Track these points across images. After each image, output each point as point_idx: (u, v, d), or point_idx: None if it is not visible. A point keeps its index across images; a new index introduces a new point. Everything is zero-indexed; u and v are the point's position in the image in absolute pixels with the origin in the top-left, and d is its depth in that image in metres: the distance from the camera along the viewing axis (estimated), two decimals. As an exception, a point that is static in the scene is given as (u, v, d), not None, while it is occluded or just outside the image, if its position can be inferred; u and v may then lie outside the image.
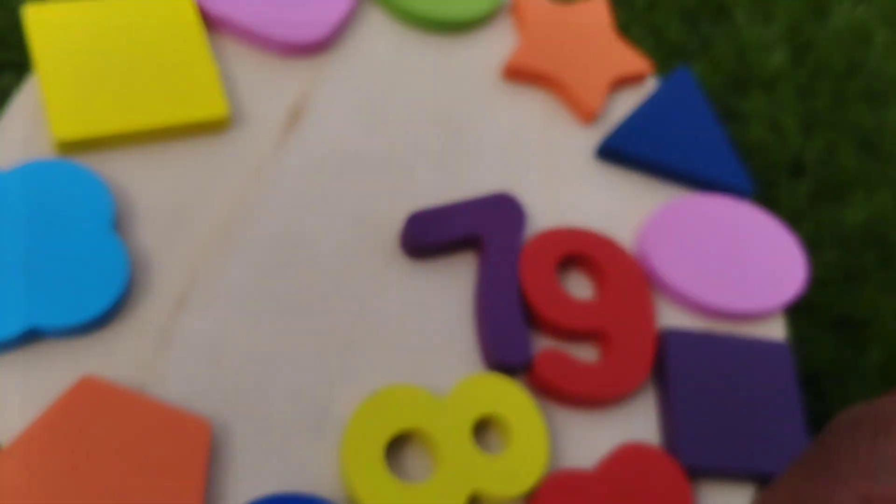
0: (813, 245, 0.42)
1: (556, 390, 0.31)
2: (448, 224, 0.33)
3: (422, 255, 0.33)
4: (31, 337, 0.28)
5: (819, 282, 0.41)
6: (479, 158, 0.37)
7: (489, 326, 0.31)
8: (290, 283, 0.32)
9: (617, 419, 0.32)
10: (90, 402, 0.27)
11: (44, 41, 0.33)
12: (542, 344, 0.33)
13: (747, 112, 0.44)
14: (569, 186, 0.37)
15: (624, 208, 0.37)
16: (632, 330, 0.32)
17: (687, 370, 0.32)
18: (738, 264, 0.35)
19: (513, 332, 0.31)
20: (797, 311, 0.39)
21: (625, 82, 0.41)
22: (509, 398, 0.30)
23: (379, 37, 0.39)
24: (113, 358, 0.29)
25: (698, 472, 0.31)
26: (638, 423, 0.32)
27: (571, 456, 0.31)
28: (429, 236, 0.32)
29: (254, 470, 0.28)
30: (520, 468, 0.29)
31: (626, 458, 0.30)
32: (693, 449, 0.30)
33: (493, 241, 0.33)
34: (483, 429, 0.30)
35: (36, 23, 0.33)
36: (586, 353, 0.33)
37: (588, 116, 0.39)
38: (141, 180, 0.32)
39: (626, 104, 0.40)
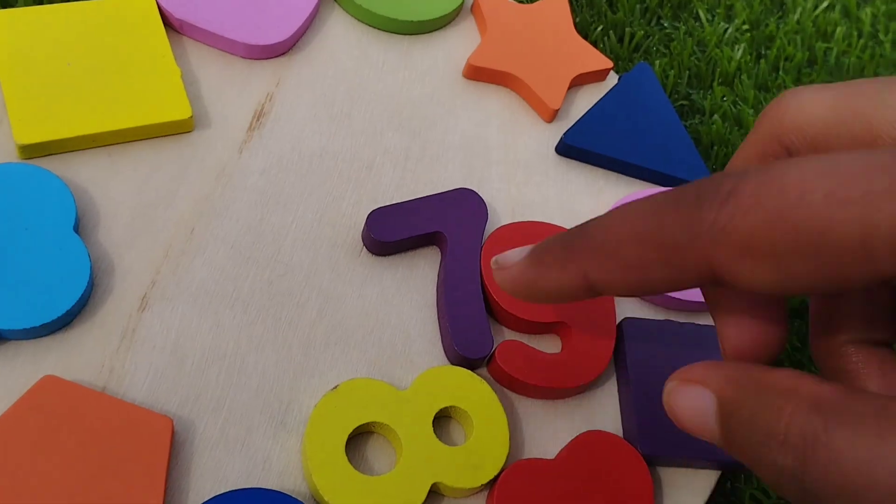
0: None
1: (516, 382, 0.31)
2: (409, 221, 0.33)
3: (384, 251, 0.33)
4: (-7, 339, 0.28)
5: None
6: (441, 156, 0.37)
7: (452, 322, 0.32)
8: (254, 281, 0.32)
9: (579, 409, 0.32)
10: (52, 400, 0.27)
11: (5, 45, 0.33)
12: (506, 337, 0.33)
13: (709, 107, 0.45)
14: (530, 183, 0.38)
15: (584, 203, 0.38)
16: (592, 321, 0.33)
17: (644, 358, 0.32)
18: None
19: (475, 327, 0.32)
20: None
21: (586, 80, 0.41)
22: (470, 390, 0.30)
23: (342, 38, 0.39)
24: (76, 359, 0.29)
25: (657, 461, 0.31)
26: (600, 413, 0.32)
27: (533, 446, 0.31)
28: (390, 234, 0.33)
29: (217, 466, 0.28)
30: (481, 459, 0.29)
31: (587, 446, 0.30)
32: (651, 438, 0.31)
33: (455, 236, 0.33)
34: (444, 421, 0.31)
35: (-3, 28, 0.34)
36: (549, 346, 0.33)
37: (549, 114, 0.39)
38: (105, 182, 0.32)
39: (587, 101, 0.41)
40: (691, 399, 0.18)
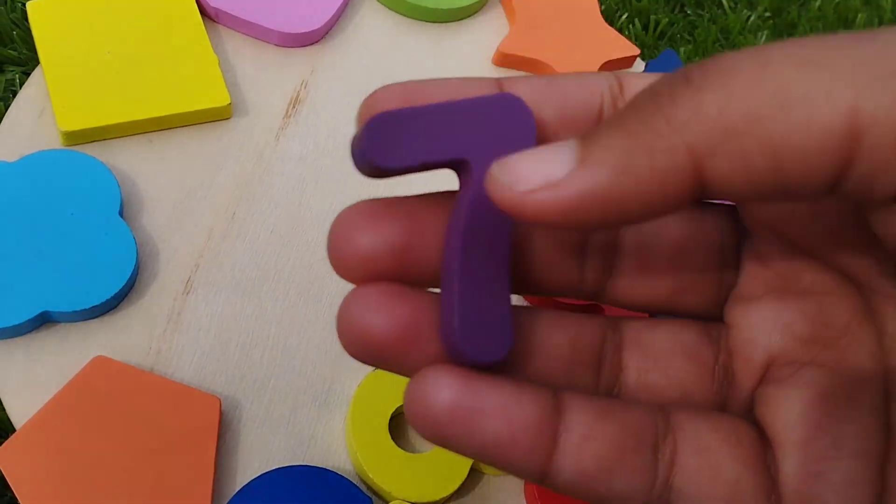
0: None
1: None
2: (425, 138, 0.18)
3: (380, 175, 0.18)
4: (43, 322, 0.29)
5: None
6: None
7: (461, 304, 0.17)
8: (295, 264, 0.33)
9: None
10: (103, 381, 0.28)
11: (47, 35, 0.34)
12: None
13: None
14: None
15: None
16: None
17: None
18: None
19: (493, 319, 0.18)
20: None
21: (613, 66, 0.42)
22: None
23: (373, 26, 0.40)
24: (124, 341, 0.30)
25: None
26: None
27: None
28: (396, 156, 0.18)
29: (263, 444, 0.29)
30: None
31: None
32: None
33: (485, 168, 0.18)
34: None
35: (39, 17, 0.34)
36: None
37: (578, 100, 0.39)
38: (147, 168, 0.33)
39: (615, 88, 0.41)
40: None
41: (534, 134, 0.18)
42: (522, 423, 0.15)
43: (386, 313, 0.15)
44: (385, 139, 0.18)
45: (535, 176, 0.14)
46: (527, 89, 0.17)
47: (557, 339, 0.17)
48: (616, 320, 0.18)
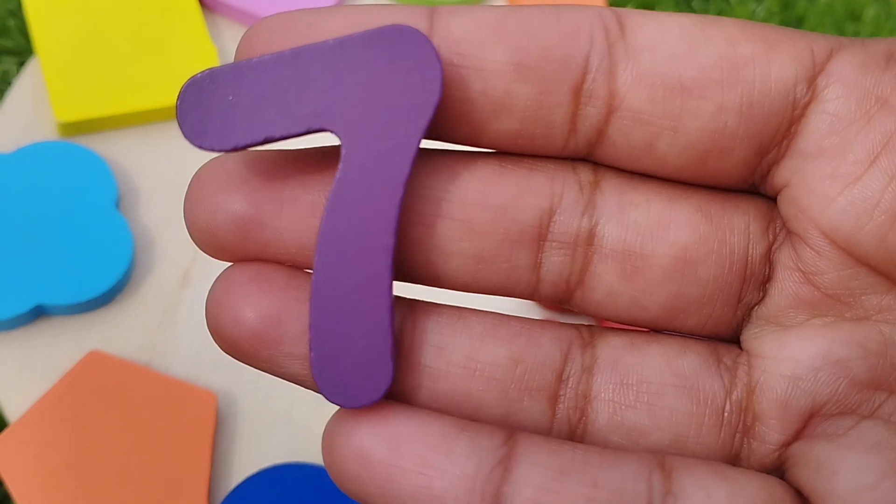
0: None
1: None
2: (265, 102, 0.13)
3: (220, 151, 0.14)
4: (37, 315, 0.29)
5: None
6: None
7: (316, 330, 0.13)
8: (292, 259, 0.32)
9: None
10: (98, 375, 0.27)
11: (43, 25, 0.34)
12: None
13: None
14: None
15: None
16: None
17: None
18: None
19: (369, 347, 0.13)
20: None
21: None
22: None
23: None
24: (119, 335, 0.29)
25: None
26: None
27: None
28: (220, 136, 0.13)
29: (260, 440, 0.28)
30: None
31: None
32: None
33: (362, 145, 0.13)
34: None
35: (35, 7, 0.34)
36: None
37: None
38: (143, 160, 0.33)
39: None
40: None
41: (436, 86, 0.13)
42: (451, 482, 0.11)
43: (247, 302, 0.12)
44: (207, 111, 0.13)
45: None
46: (468, 22, 0.12)
47: (491, 352, 0.13)
48: (589, 331, 0.14)
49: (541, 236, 0.13)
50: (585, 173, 0.13)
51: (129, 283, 0.30)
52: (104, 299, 0.29)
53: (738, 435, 0.13)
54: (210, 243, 0.13)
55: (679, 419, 0.13)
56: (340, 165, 0.13)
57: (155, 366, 0.29)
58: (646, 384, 0.13)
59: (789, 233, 0.13)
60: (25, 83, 0.33)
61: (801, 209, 0.13)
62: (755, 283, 0.13)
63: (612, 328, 0.14)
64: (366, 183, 0.13)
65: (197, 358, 0.29)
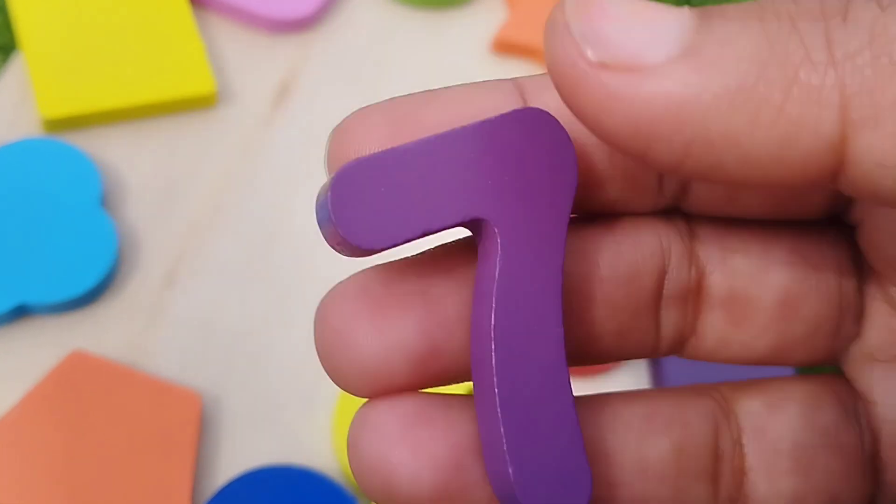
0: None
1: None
2: (415, 195, 0.13)
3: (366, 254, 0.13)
4: (20, 314, 0.28)
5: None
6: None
7: (508, 441, 0.12)
8: (280, 257, 0.32)
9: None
10: (80, 375, 0.27)
11: (28, 19, 0.33)
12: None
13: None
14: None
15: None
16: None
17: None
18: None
19: (562, 450, 0.12)
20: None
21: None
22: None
23: (367, 12, 0.39)
24: (102, 334, 0.29)
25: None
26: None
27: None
28: (377, 235, 0.13)
29: (246, 442, 0.28)
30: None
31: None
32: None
33: (515, 228, 0.13)
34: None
35: (20, 1, 0.33)
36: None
37: (577, 89, 0.38)
38: (129, 157, 0.32)
39: (615, 77, 0.40)
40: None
41: (573, 167, 0.12)
42: None
43: (419, 453, 0.11)
44: (362, 205, 0.12)
45: (624, 45, 0.09)
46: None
47: (657, 447, 0.12)
48: (727, 399, 0.13)
49: (657, 295, 0.13)
50: (680, 224, 0.14)
51: (114, 281, 0.30)
52: (88, 298, 0.29)
53: (872, 487, 0.13)
54: (376, 382, 0.12)
55: (832, 478, 0.13)
56: (499, 259, 0.12)
57: (139, 366, 0.28)
58: (799, 449, 0.13)
59: (872, 267, 0.14)
60: (10, 78, 0.33)
61: (876, 247, 0.13)
62: (851, 317, 0.14)
63: (742, 387, 0.14)
64: (527, 273, 0.12)
65: (182, 358, 0.29)
